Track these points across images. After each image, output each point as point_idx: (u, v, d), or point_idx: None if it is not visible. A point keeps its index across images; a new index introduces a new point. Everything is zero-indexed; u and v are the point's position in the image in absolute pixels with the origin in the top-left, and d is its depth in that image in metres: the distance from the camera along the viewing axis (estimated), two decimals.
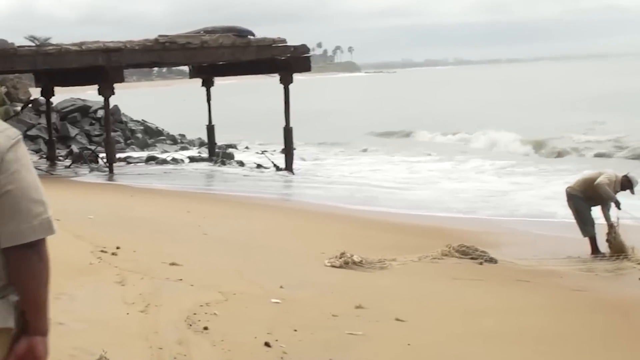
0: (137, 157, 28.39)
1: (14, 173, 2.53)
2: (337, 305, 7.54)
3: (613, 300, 9.10)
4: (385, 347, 6.46)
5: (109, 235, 10.17)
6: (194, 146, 32.73)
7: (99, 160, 25.56)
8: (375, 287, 8.81)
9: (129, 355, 5.57)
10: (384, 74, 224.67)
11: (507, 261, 10.84)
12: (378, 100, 70.64)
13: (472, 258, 10.65)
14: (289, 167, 24.34)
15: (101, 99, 22.87)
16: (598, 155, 28.08)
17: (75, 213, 11.23)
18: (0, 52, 20.56)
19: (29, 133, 29.18)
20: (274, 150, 28.74)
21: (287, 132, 24.40)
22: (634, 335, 7.67)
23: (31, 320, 2.57)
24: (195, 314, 6.71)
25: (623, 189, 11.57)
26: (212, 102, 27.75)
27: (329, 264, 9.75)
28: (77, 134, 30.74)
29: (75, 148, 28.29)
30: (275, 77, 25.09)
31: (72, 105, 32.39)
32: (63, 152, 28.24)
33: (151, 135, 33.71)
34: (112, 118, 28.30)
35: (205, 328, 6.32)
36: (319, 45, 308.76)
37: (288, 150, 24.61)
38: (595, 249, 11.48)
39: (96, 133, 30.85)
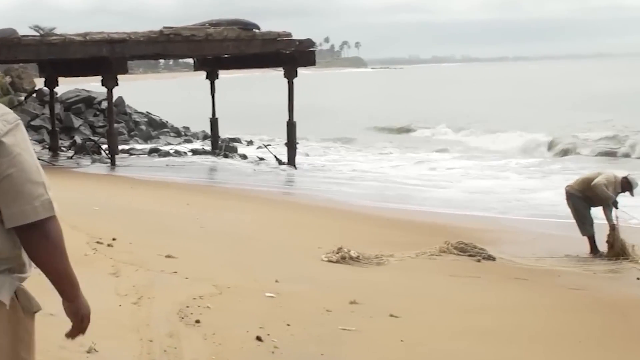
0: (140, 149, 28.40)
1: (15, 156, 2.61)
2: (332, 301, 7.51)
3: (611, 299, 9.05)
4: (377, 343, 6.43)
5: (106, 226, 10.16)
6: (198, 139, 32.71)
7: (102, 151, 25.55)
8: (371, 283, 8.78)
9: (119, 347, 5.55)
10: (390, 70, 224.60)
11: (505, 259, 10.79)
12: (384, 96, 70.46)
13: (470, 255, 10.61)
14: (291, 161, 24.29)
15: (105, 90, 22.86)
16: (602, 154, 27.98)
17: (73, 204, 11.18)
18: (4, 42, 20.57)
19: (32, 123, 29.21)
20: (277, 144, 28.70)
21: (290, 127, 24.35)
22: (631, 335, 7.63)
23: (57, 290, 2.79)
24: (188, 306, 6.69)
25: (623, 190, 11.52)
26: (216, 95, 27.73)
27: (325, 259, 9.72)
28: (80, 125, 30.73)
29: (78, 139, 28.29)
30: (281, 71, 25.07)
31: (76, 96, 32.36)
32: (66, 143, 28.24)
33: (155, 127, 33.68)
34: (116, 109, 28.37)
35: (197, 321, 6.29)
36: (326, 40, 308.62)
37: (291, 145, 24.55)
38: (594, 248, 11.44)
39: (100, 124, 30.83)
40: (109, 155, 23.40)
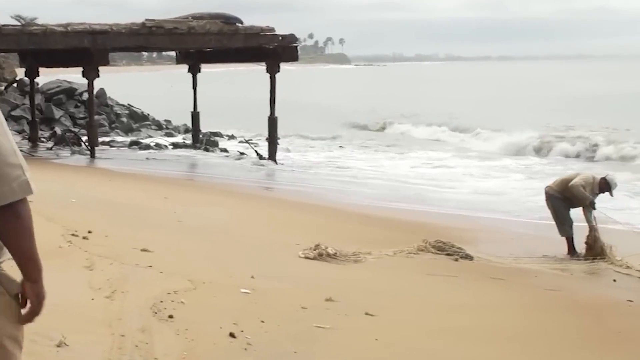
0: (121, 142, 28.29)
1: None
2: (308, 298, 7.46)
3: (586, 301, 9.06)
4: (352, 341, 6.39)
5: (82, 219, 10.06)
6: (179, 132, 32.59)
7: (82, 143, 25.38)
8: (347, 280, 8.74)
9: (90, 341, 5.48)
10: (373, 67, 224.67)
11: (483, 258, 10.79)
12: (365, 93, 70.43)
13: (448, 254, 10.60)
14: (272, 157, 24.23)
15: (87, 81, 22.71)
16: (579, 155, 28.02)
17: (51, 195, 11.08)
18: None
19: (12, 113, 29.01)
20: (259, 139, 28.63)
21: (272, 122, 24.30)
22: (606, 336, 7.64)
23: (21, 270, 2.84)
24: (161, 301, 6.62)
25: (602, 191, 11.54)
26: (198, 89, 27.64)
27: (302, 256, 9.68)
28: (61, 116, 30.55)
29: (58, 130, 28.10)
30: (264, 66, 24.99)
31: (57, 86, 32.16)
32: (46, 134, 28.06)
33: (136, 120, 33.54)
34: (97, 101, 28.19)
35: (171, 316, 6.23)
36: (311, 36, 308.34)
37: (272, 140, 24.50)
38: (571, 249, 11.46)
39: (81, 116, 30.66)
40: (89, 147, 23.26)
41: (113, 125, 31.93)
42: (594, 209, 11.38)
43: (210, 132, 30.06)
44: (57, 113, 30.49)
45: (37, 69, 26.31)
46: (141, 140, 28.47)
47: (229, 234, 10.91)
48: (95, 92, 24.07)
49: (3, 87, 31.13)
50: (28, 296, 2.88)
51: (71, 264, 7.46)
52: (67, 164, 21.28)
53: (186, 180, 20.22)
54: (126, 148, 26.82)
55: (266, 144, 25.14)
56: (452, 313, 7.75)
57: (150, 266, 7.83)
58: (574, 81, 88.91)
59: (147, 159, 23.94)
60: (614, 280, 10.18)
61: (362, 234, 12.08)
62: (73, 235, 8.81)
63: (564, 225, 11.57)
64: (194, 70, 27.88)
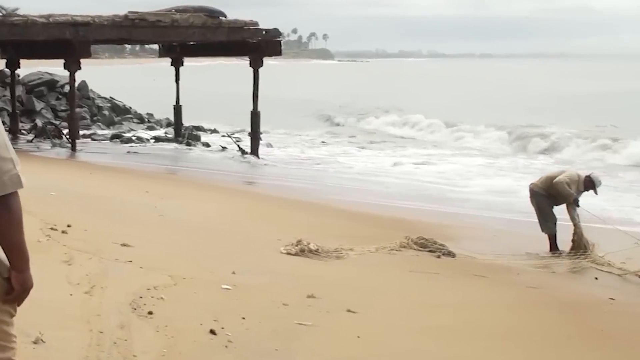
0: (102, 135, 28.12)
1: None
2: (289, 294, 7.40)
3: (568, 298, 9.06)
4: (333, 338, 6.33)
5: (62, 212, 9.95)
6: (161, 126, 32.40)
7: (63, 136, 25.19)
8: (329, 277, 8.69)
9: (67, 338, 5.40)
10: (357, 63, 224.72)
11: (465, 255, 10.76)
12: (348, 89, 70.32)
13: (430, 251, 10.56)
14: (254, 151, 24.13)
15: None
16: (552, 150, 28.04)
17: (30, 189, 10.78)
18: None
19: None
20: (242, 133, 28.52)
21: (255, 116, 24.22)
22: (587, 334, 7.63)
23: (9, 260, 3.01)
24: (141, 297, 6.54)
25: (586, 189, 11.54)
26: (181, 82, 27.52)
27: (284, 251, 9.61)
28: (42, 108, 30.31)
29: (39, 122, 27.88)
30: (247, 60, 24.88)
31: (39, 78, 31.90)
32: (27, 126, 27.83)
33: (118, 113, 33.34)
34: (78, 94, 28.00)
35: (150, 313, 6.15)
36: (294, 31, 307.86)
37: (254, 135, 24.41)
38: (553, 247, 11.46)
39: (62, 108, 30.41)
40: (70, 140, 23.09)
41: (95, 118, 31.73)
42: (578, 206, 11.38)
43: (193, 126, 29.91)
44: (38, 105, 30.25)
45: (18, 60, 26.09)
46: (123, 134, 28.31)
47: (210, 229, 10.83)
48: (77, 84, 23.89)
49: None
50: (14, 285, 3.03)
51: (50, 259, 7.35)
52: (48, 157, 21.10)
53: (168, 174, 20.10)
54: (107, 141, 26.67)
55: (249, 138, 25.04)
56: (435, 310, 7.71)
57: (130, 261, 7.75)
58: (554, 79, 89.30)
59: (128, 152, 23.80)
60: (596, 278, 10.19)
61: (343, 229, 12.01)
62: (52, 229, 8.71)
63: (548, 223, 11.56)
64: (177, 64, 27.77)
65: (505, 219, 14.32)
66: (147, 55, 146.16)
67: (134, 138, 27.22)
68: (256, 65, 24.20)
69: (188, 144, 26.38)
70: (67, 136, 23.92)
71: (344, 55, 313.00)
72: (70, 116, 23.07)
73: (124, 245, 8.45)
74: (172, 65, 27.93)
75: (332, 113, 44.03)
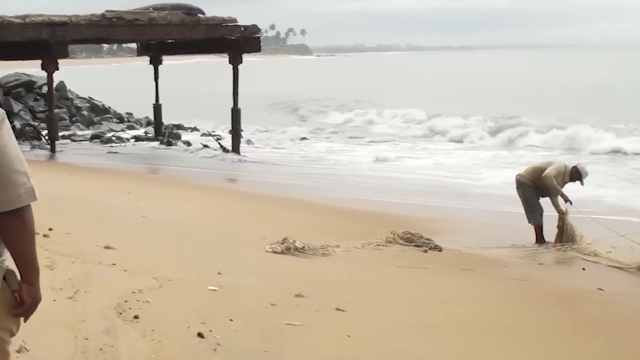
0: (82, 135, 27.93)
1: (2, 148, 2.88)
2: (277, 294, 7.30)
3: (557, 290, 9.00)
4: (323, 338, 6.24)
5: (42, 215, 9.63)
6: (141, 125, 32.15)
7: (42, 137, 24.97)
8: (316, 275, 8.60)
9: (52, 345, 5.27)
10: (335, 58, 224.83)
11: (452, 249, 10.69)
12: (327, 84, 70.23)
13: (416, 245, 10.50)
14: (235, 149, 24.01)
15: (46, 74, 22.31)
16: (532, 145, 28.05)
17: None
18: None
19: None
20: (223, 131, 28.37)
21: (235, 114, 24.09)
22: (576, 326, 7.58)
23: (20, 272, 3.06)
24: (126, 301, 6.42)
25: (572, 180, 11.50)
26: (160, 81, 27.36)
27: (270, 250, 9.51)
28: (20, 110, 29.96)
29: (17, 124, 27.58)
30: (226, 57, 24.78)
31: (16, 80, 31.55)
32: None
33: (97, 113, 33.05)
34: (57, 94, 27.75)
35: (136, 317, 6.04)
36: (272, 27, 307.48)
37: (235, 132, 24.29)
38: (540, 238, 11.41)
39: (41, 109, 30.08)
40: (49, 141, 22.89)
41: (74, 119, 31.44)
42: (570, 202, 11.31)
43: (173, 125, 29.72)
44: (16, 107, 29.90)
45: None
46: (103, 134, 28.10)
47: (194, 228, 10.70)
48: (54, 85, 23.68)
49: None
50: (24, 297, 3.08)
51: None
52: (27, 159, 20.68)
53: (149, 174, 19.95)
54: (87, 142, 26.50)
55: (229, 136, 24.91)
56: (423, 307, 7.64)
57: (114, 264, 7.62)
58: (529, 70, 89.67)
59: (108, 152, 23.66)
60: (584, 269, 10.15)
61: (328, 226, 11.93)
62: None
63: (534, 214, 11.51)
64: (156, 62, 27.60)
65: (487, 211, 14.27)
66: (125, 54, 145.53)
67: (114, 138, 27.06)
68: (236, 62, 24.10)
69: (169, 143, 26.20)
70: (46, 137, 23.72)
71: (322, 50, 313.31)
72: (49, 117, 22.86)
73: (107, 247, 8.32)
74: (150, 63, 27.75)
75: (311, 108, 43.94)
